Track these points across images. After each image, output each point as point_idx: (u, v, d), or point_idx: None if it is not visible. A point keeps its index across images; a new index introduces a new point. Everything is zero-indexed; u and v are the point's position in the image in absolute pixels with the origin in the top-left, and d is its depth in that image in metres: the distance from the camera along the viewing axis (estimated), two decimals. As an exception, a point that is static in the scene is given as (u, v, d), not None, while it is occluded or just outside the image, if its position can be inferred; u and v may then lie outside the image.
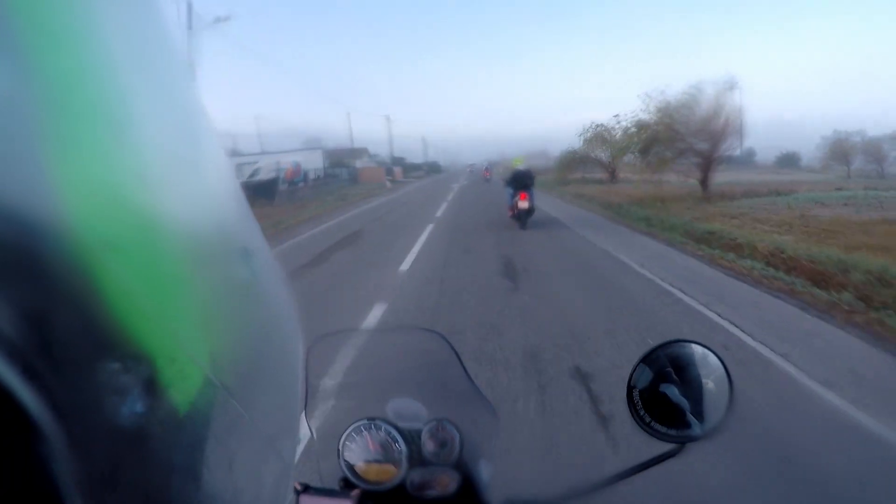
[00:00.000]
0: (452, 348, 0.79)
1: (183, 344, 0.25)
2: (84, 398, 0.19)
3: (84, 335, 0.19)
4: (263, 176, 29.11)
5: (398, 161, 75.32)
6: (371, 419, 0.77)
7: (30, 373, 0.17)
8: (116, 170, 0.23)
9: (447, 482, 0.75)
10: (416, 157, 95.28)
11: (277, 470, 0.33)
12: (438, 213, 12.18)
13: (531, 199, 10.67)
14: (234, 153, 34.66)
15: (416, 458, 0.76)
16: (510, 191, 11.29)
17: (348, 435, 0.77)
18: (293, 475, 0.33)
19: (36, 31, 0.20)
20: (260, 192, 20.42)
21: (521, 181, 11.29)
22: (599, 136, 26.47)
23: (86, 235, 0.20)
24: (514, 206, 10.98)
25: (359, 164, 46.04)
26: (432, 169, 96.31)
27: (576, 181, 25.61)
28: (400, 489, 0.75)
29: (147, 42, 0.29)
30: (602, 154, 25.98)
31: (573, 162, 27.60)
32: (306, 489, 0.70)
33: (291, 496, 0.33)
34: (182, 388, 0.24)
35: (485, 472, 0.80)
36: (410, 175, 62.99)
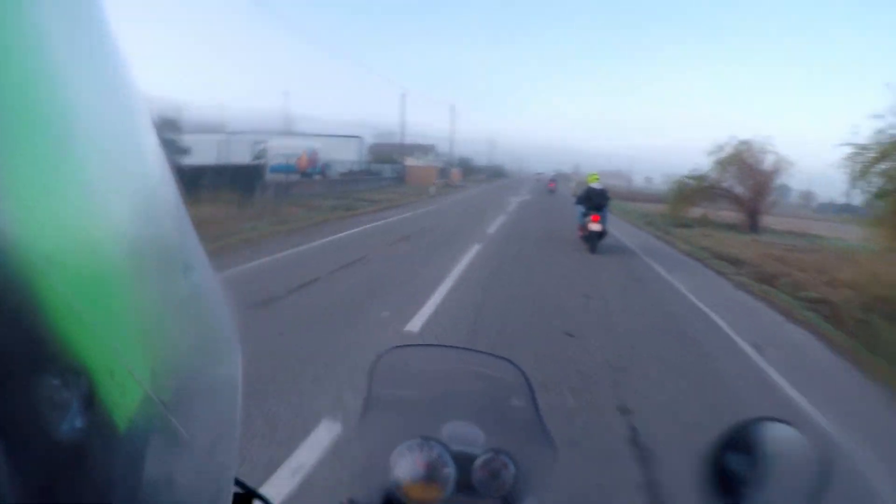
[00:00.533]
0: (527, 379, 0.81)
1: (123, 359, 0.26)
2: (23, 413, 0.20)
3: (23, 349, 0.21)
4: (269, 161, 24.85)
5: (463, 162, 65.67)
6: (425, 438, 0.78)
7: None
8: (58, 183, 0.24)
9: None
10: (480, 159, 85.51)
11: (217, 483, 0.35)
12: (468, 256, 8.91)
13: (604, 222, 10.14)
14: (254, 132, 31.37)
15: (464, 485, 0.76)
16: (581, 209, 10.62)
17: (399, 451, 0.77)
18: (232, 490, 0.37)
19: None
20: (238, 180, 15.08)
21: (594, 201, 10.41)
22: (738, 158, 20.41)
23: (26, 248, 0.21)
24: (584, 227, 10.49)
25: (410, 161, 35.65)
26: (495, 173, 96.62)
27: (694, 221, 19.84)
28: None
29: (91, 54, 0.29)
30: (743, 184, 20.05)
31: (695, 193, 21.21)
32: None
33: None
34: (121, 404, 0.25)
35: None
36: (469, 178, 61.25)
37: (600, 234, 9.93)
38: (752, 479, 0.66)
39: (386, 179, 32.09)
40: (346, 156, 31.05)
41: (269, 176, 18.67)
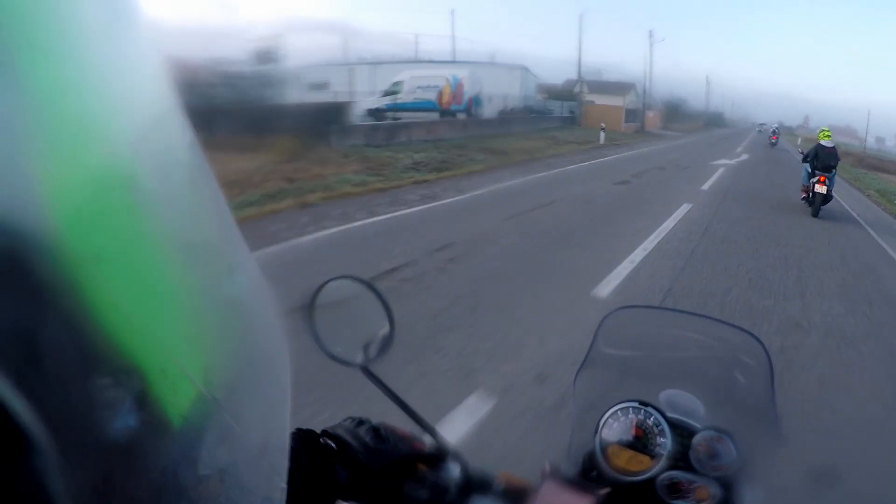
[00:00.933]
0: (769, 357, 0.78)
1: (174, 357, 0.27)
2: (76, 411, 0.21)
3: (74, 348, 0.22)
4: (404, 97, 21.29)
5: (671, 105, 55.29)
6: (643, 403, 0.77)
7: (21, 385, 0.19)
8: (105, 182, 0.25)
9: (707, 495, 0.71)
10: (696, 103, 73.26)
11: (269, 480, 0.37)
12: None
13: (831, 184, 9.91)
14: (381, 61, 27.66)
15: (678, 460, 0.74)
16: (807, 168, 10.47)
17: (613, 413, 0.77)
18: (284, 488, 0.39)
19: (23, 42, 0.22)
20: (321, 121, 13.73)
21: (823, 160, 10.00)
22: None
23: (74, 248, 0.22)
24: (809, 188, 10.31)
25: (593, 99, 28.81)
26: (712, 121, 75.71)
27: None
28: (648, 486, 0.73)
29: (136, 60, 0.32)
30: None
31: None
32: (554, 473, 0.69)
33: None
34: (174, 402, 0.26)
35: (755, 500, 0.74)
36: (676, 125, 53.21)
37: (826, 198, 9.76)
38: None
39: (554, 119, 28.55)
40: (509, 89, 25.39)
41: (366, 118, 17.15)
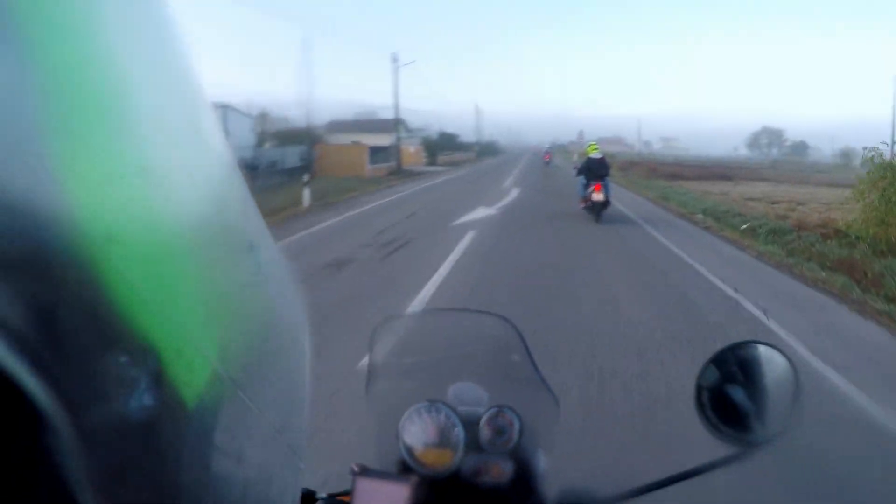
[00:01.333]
0: (520, 334, 0.90)
1: (190, 337, 0.28)
2: (92, 391, 0.22)
3: (90, 328, 0.22)
4: None
5: (446, 138, 50.93)
6: (431, 402, 0.86)
7: (38, 365, 0.19)
8: (119, 162, 0.26)
9: (500, 471, 0.84)
10: (468, 134, 71.90)
11: (286, 462, 0.37)
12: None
13: (606, 191, 11.71)
14: None
15: (474, 445, 0.86)
16: (582, 180, 12.23)
17: (408, 417, 0.86)
18: (301, 468, 0.40)
19: (37, 23, 0.22)
20: None
21: (595, 171, 11.74)
22: None
23: (89, 228, 0.23)
24: (587, 198, 12.04)
25: (356, 140, 18.91)
26: (486, 150, 75.24)
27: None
28: (456, 475, 0.84)
29: (151, 34, 0.32)
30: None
31: None
32: (364, 471, 0.77)
33: (298, 491, 0.41)
34: (190, 382, 0.27)
35: (541, 462, 0.89)
36: (441, 160, 47.40)
37: (604, 204, 11.64)
38: (753, 409, 0.74)
39: (277, 174, 22.80)
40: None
41: None
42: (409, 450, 0.84)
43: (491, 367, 0.93)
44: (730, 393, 0.77)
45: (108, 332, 0.23)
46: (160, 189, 0.28)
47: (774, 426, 0.76)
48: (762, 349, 0.81)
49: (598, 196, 10.88)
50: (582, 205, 11.68)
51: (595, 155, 11.51)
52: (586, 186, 11.28)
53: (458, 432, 0.83)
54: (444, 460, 0.82)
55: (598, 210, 11.09)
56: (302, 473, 0.41)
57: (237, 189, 0.38)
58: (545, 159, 38.45)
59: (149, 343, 0.24)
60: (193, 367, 0.27)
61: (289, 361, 0.41)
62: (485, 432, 0.84)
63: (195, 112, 0.35)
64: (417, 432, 0.84)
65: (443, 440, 0.83)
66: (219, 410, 0.29)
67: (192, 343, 0.28)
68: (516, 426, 0.84)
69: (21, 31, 0.21)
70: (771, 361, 0.79)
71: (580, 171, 11.68)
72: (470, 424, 0.85)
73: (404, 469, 0.84)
